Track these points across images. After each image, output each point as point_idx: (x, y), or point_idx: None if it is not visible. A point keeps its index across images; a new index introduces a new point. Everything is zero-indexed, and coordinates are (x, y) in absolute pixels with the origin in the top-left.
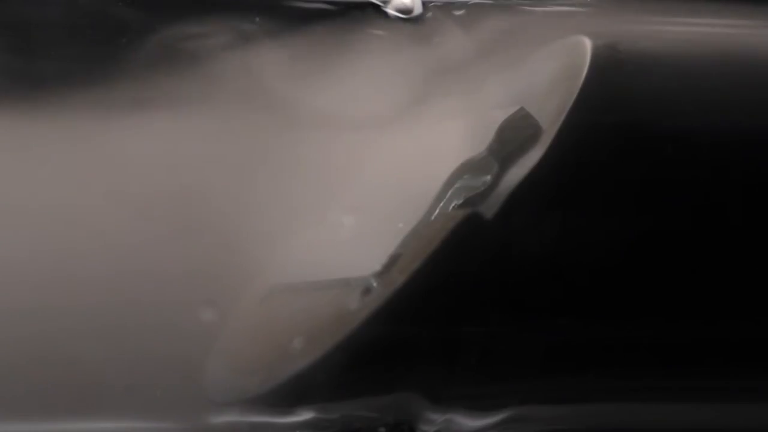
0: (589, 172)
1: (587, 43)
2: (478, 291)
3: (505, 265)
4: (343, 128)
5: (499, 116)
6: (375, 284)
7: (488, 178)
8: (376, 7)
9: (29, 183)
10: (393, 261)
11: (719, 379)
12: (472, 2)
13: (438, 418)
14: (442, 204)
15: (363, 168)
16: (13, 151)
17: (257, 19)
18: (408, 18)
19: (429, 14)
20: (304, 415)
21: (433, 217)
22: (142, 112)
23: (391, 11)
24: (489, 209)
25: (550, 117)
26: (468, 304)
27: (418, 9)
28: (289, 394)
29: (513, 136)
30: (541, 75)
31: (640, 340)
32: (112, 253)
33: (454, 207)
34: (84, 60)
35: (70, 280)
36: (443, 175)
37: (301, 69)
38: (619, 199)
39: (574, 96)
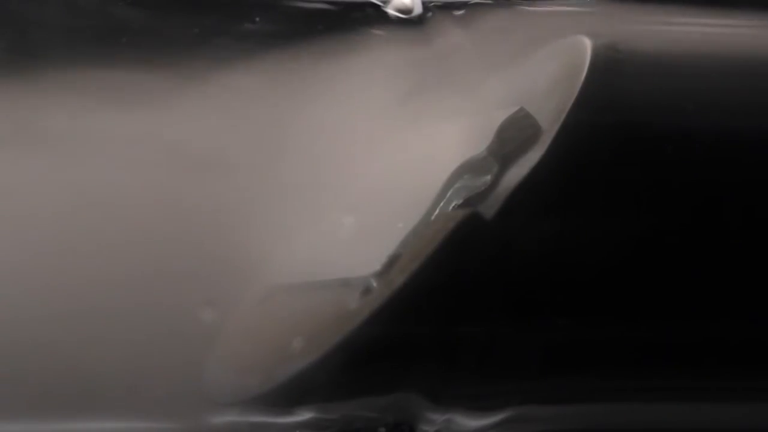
0: (590, 172)
1: (587, 43)
2: (478, 291)
3: (505, 265)
4: (343, 128)
5: (499, 116)
6: (375, 284)
7: (488, 178)
8: (376, 7)
9: (26, 185)
10: (393, 261)
11: (720, 379)
12: (472, 2)
13: (438, 418)
14: (442, 204)
15: (363, 168)
16: (9, 150)
17: (257, 19)
18: (408, 18)
19: (429, 14)
20: (304, 415)
21: (433, 217)
22: (140, 112)
23: (391, 11)
24: (489, 209)
25: (550, 117)
26: (468, 304)
27: (418, 9)
28: (289, 394)
29: (513, 136)
30: (541, 75)
31: (640, 341)
32: (111, 253)
33: (454, 207)
34: (83, 60)
35: (69, 280)
36: (443, 175)
37: (301, 69)
38: (619, 199)
39: (574, 96)
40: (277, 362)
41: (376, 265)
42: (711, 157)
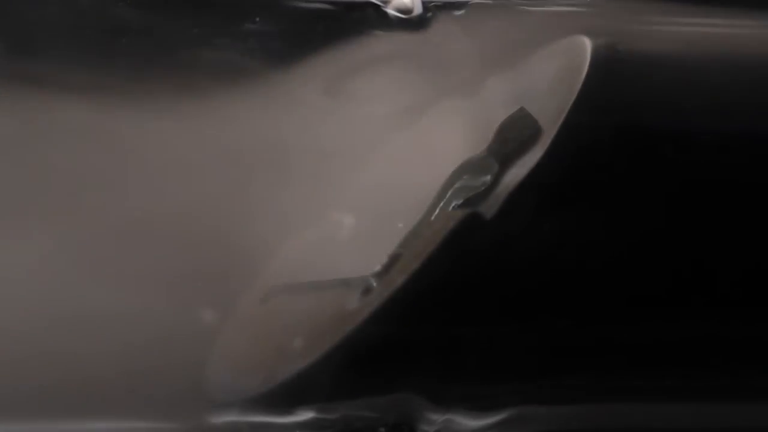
0: (590, 172)
1: (587, 43)
2: (478, 291)
3: (505, 265)
4: (343, 128)
5: (499, 116)
6: (375, 284)
7: (488, 178)
8: (376, 7)
9: (26, 184)
10: (393, 261)
11: (720, 378)
12: (472, 2)
13: (438, 418)
14: (442, 204)
15: (363, 168)
16: (11, 152)
17: (257, 19)
18: (408, 18)
19: (429, 14)
20: (304, 415)
21: (433, 217)
22: (140, 113)
23: (391, 11)
24: (489, 209)
25: (550, 117)
26: (468, 304)
27: (418, 9)
28: (289, 394)
29: (513, 136)
30: (541, 75)
31: (640, 341)
32: (111, 254)
33: (454, 207)
34: (83, 60)
35: (69, 280)
36: (443, 175)
37: (300, 69)
38: (619, 199)
39: (574, 96)
40: (278, 362)
41: (376, 265)
42: (712, 158)
